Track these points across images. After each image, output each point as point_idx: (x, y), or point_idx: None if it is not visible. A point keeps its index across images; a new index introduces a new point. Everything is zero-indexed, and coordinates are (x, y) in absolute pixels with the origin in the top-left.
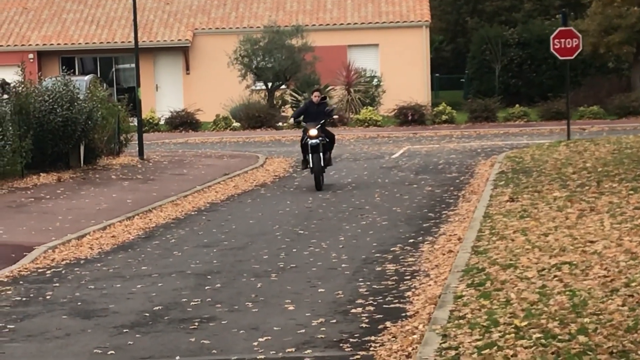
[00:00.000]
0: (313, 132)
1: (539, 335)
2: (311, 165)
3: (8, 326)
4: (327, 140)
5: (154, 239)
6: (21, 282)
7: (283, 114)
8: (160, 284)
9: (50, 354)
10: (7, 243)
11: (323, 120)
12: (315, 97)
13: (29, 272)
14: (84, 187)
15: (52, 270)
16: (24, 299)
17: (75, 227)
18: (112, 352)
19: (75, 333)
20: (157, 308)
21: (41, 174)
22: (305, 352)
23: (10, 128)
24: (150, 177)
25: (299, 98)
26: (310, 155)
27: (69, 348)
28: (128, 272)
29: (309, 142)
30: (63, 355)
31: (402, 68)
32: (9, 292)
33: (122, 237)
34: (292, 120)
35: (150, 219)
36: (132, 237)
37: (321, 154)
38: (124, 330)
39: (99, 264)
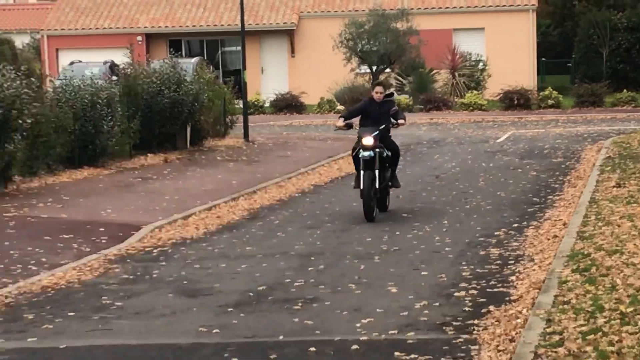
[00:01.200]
0: (367, 140)
1: None
2: (361, 187)
3: (116, 303)
4: (388, 153)
5: (258, 220)
6: (128, 261)
7: None
8: (264, 265)
9: (156, 332)
10: (115, 222)
11: (384, 126)
12: (377, 93)
13: (136, 251)
14: (190, 168)
15: (159, 249)
16: (131, 277)
17: (181, 207)
18: (217, 330)
19: (181, 311)
20: (261, 288)
21: (148, 154)
22: (408, 334)
23: (119, 109)
24: (255, 158)
25: (404, 82)
26: (362, 172)
27: (174, 326)
28: (233, 253)
29: (361, 155)
30: (169, 333)
31: (508, 52)
32: (117, 270)
33: (227, 217)
34: (340, 121)
35: (254, 200)
36: (236, 217)
37: (377, 172)
38: (229, 310)
39: (204, 244)
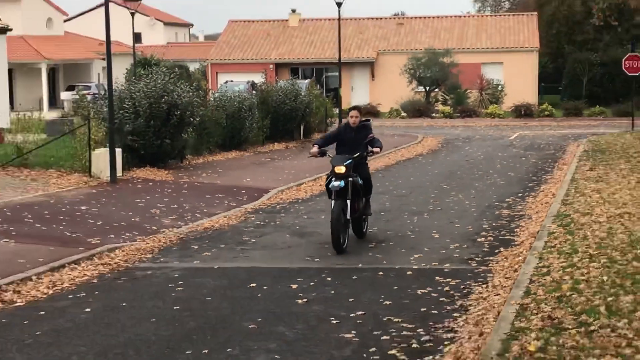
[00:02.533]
0: (340, 169)
1: (605, 260)
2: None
3: (251, 240)
4: (361, 181)
5: None
6: (260, 212)
7: (436, 108)
8: None
9: (278, 259)
10: (252, 187)
11: (358, 154)
12: (353, 117)
13: (265, 206)
14: (302, 153)
15: (280, 205)
16: (262, 223)
17: (296, 178)
18: (317, 259)
19: (294, 246)
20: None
21: (275, 143)
22: (445, 265)
23: (257, 113)
24: None
25: (447, 97)
26: (332, 199)
27: (290, 256)
28: (329, 208)
29: (331, 185)
30: (286, 260)
31: (518, 79)
32: (252, 218)
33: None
34: (315, 149)
35: None
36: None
37: (348, 202)
38: (325, 246)
39: (310, 203)
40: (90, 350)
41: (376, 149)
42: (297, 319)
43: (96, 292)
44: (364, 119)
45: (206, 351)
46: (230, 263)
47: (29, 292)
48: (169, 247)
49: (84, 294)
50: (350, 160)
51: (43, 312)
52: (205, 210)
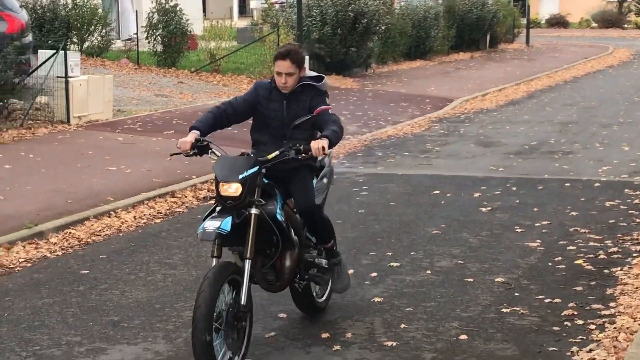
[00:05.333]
0: (228, 187)
1: None
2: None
3: (435, 149)
4: (281, 218)
5: (533, 98)
6: (444, 121)
7: (628, 18)
8: (536, 128)
9: (461, 168)
10: (436, 96)
11: (278, 153)
12: (282, 75)
13: (449, 116)
14: (487, 63)
15: (464, 115)
16: (446, 132)
17: (481, 88)
18: (502, 169)
19: (478, 156)
20: (533, 143)
21: (460, 52)
22: (635, 178)
23: (442, 22)
24: (533, 57)
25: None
26: (213, 257)
27: (473, 165)
28: (514, 119)
29: (204, 227)
30: (470, 169)
31: None
32: (436, 127)
33: (512, 96)
34: (187, 137)
35: (531, 85)
36: (518, 96)
37: (248, 263)
38: (510, 156)
39: (495, 113)
40: None
41: (322, 142)
42: (481, 226)
43: None
44: (311, 74)
45: (390, 253)
46: (414, 170)
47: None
48: (354, 153)
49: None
50: (256, 169)
51: None
52: (389, 118)
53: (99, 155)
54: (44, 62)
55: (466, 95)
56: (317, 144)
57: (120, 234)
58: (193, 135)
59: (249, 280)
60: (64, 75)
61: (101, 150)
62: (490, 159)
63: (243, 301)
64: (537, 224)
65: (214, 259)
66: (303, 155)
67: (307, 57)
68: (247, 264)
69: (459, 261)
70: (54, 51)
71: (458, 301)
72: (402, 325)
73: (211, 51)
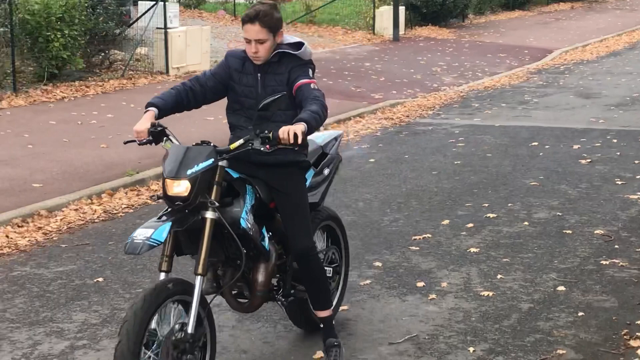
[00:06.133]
0: (176, 184)
1: None
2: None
3: (533, 100)
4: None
5: (635, 49)
6: (543, 73)
7: None
8: (638, 80)
9: (560, 119)
10: (535, 47)
11: (246, 139)
12: (251, 40)
13: (548, 67)
14: (588, 13)
15: (564, 66)
16: (544, 83)
17: (581, 39)
18: (602, 121)
19: (578, 107)
20: (635, 95)
21: (560, 3)
22: None
23: None
24: (635, 8)
25: None
26: (161, 271)
27: (573, 116)
28: (616, 70)
29: (132, 238)
30: (569, 120)
31: None
32: (535, 78)
33: (613, 47)
34: (144, 117)
35: (633, 36)
36: (620, 47)
37: (199, 280)
38: (611, 108)
39: (595, 64)
40: (374, 198)
41: (296, 128)
42: (580, 178)
43: (379, 144)
44: (289, 40)
45: (487, 205)
46: (511, 122)
47: None
48: (450, 104)
49: (368, 146)
50: (210, 162)
51: None
52: (486, 69)
53: None
54: (144, 14)
55: (566, 46)
56: (288, 130)
57: None
58: (149, 115)
59: (195, 303)
60: (163, 27)
61: None
62: (590, 110)
63: (190, 329)
64: (637, 176)
65: (162, 274)
66: (274, 145)
67: (402, 8)
68: (198, 281)
69: (557, 213)
70: (154, 3)
71: (556, 253)
72: (499, 276)
73: (307, 2)
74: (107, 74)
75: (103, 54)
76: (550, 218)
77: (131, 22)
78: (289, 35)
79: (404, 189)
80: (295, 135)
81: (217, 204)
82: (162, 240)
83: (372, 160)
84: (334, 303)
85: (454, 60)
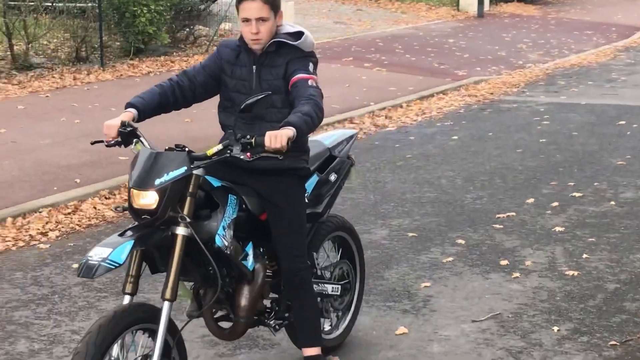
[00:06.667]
0: (142, 197)
1: None
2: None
3: (621, 78)
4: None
5: None
6: (631, 51)
7: None
8: None
9: None
10: (623, 24)
11: (231, 146)
12: (249, 12)
13: (636, 44)
14: None
15: None
16: (632, 61)
17: None
18: None
19: None
20: None
21: None
22: None
23: None
24: None
25: None
26: (125, 294)
27: None
28: None
29: (88, 259)
30: None
31: None
32: (622, 56)
33: None
34: (120, 117)
35: None
36: None
37: (166, 309)
38: None
39: None
40: (457, 175)
41: (282, 133)
42: None
43: (463, 122)
44: (288, 29)
45: (572, 183)
46: (598, 100)
47: (399, 118)
48: (535, 81)
49: (451, 123)
50: (182, 171)
51: (412, 138)
52: (572, 46)
53: None
54: None
55: None
56: (275, 136)
57: None
58: (126, 115)
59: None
60: None
61: None
62: None
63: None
64: None
65: (126, 297)
66: (257, 153)
67: None
68: (166, 308)
69: None
70: None
71: None
72: (584, 255)
73: None
74: (191, 49)
75: (188, 29)
76: (638, 198)
77: None
78: (288, 23)
79: (487, 166)
80: (282, 141)
81: (188, 219)
82: (121, 262)
83: (454, 137)
84: (343, 327)
85: (540, 37)
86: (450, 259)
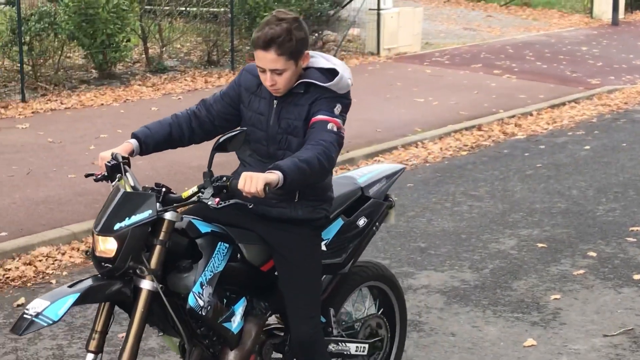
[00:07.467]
0: (102, 242)
1: None
2: None
3: None
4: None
5: None
6: None
7: None
8: None
9: None
10: None
11: (204, 188)
12: (263, 62)
13: None
14: None
15: None
16: None
17: None
18: None
19: None
20: None
21: None
22: None
23: None
24: None
25: None
26: (88, 351)
27: None
28: None
29: (27, 313)
30: None
31: None
32: None
33: None
34: (111, 151)
35: None
36: None
37: None
38: None
39: None
40: (589, 186)
41: (258, 179)
42: None
43: (595, 132)
44: (321, 64)
45: None
46: None
47: (529, 126)
48: None
49: (583, 132)
50: (146, 215)
51: (543, 146)
52: None
53: (407, 87)
54: None
55: None
56: (250, 178)
57: (427, 164)
58: (122, 147)
59: None
60: (376, 8)
61: (409, 82)
62: None
63: None
64: None
65: (89, 355)
66: (227, 199)
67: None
68: None
69: None
70: None
71: None
72: None
73: None
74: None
75: (317, 34)
76: None
77: (345, 3)
78: (323, 56)
79: (621, 177)
80: (258, 187)
81: (147, 271)
82: (56, 319)
83: (586, 147)
84: None
85: None
86: (581, 271)
